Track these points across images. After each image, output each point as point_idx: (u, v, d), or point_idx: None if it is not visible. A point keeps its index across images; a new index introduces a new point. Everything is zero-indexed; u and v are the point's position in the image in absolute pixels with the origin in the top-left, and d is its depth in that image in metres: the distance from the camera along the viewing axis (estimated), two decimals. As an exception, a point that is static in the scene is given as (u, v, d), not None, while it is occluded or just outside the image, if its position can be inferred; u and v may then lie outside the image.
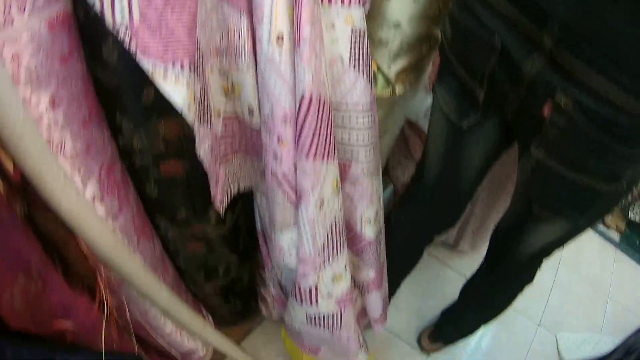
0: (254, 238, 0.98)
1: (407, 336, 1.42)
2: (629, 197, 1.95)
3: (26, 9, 0.42)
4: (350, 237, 0.78)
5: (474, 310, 1.15)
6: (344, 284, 0.73)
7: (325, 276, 0.69)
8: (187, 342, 1.01)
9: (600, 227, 2.00)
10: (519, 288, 1.02)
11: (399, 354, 1.38)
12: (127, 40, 0.43)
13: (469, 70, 0.65)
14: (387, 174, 1.35)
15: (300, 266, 0.66)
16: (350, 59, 0.60)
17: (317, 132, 0.53)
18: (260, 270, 1.15)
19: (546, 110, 0.56)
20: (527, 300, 1.61)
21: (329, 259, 0.67)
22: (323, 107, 0.53)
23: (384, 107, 0.87)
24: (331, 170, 0.58)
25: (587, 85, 0.52)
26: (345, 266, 0.71)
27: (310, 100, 0.51)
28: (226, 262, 0.93)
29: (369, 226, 0.75)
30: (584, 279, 1.78)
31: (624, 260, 1.94)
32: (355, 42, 0.59)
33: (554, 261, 1.79)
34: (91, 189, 0.56)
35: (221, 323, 1.11)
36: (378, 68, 0.79)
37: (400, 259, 1.02)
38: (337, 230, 0.65)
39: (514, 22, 0.56)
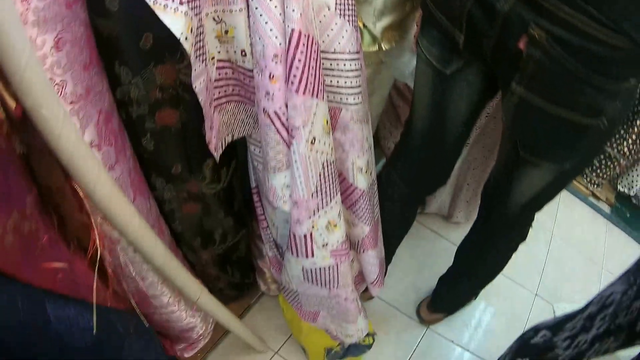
0: (248, 202, 1.02)
1: (405, 308, 1.46)
2: (617, 169, 2.01)
3: None
4: (344, 189, 0.82)
5: (469, 273, 1.19)
6: (339, 233, 0.77)
7: (320, 223, 0.72)
8: (185, 316, 1.03)
9: (591, 199, 2.06)
10: (512, 246, 1.06)
11: (398, 326, 1.42)
12: None
13: (448, 16, 0.69)
14: (378, 145, 1.39)
15: (295, 211, 0.70)
16: (336, 7, 0.64)
17: (307, 67, 0.57)
18: (256, 241, 1.18)
19: (522, 44, 0.60)
20: (523, 272, 1.67)
21: (322, 204, 0.71)
22: (311, 44, 0.57)
23: (371, 66, 0.92)
24: (321, 108, 0.62)
25: (558, 17, 0.56)
26: (339, 214, 0.75)
27: (300, 35, 0.55)
28: (222, 227, 0.96)
29: (361, 175, 0.79)
30: (577, 252, 1.83)
31: (615, 232, 2.00)
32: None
33: (546, 235, 1.85)
34: (89, 135, 0.59)
35: (220, 299, 1.14)
36: (364, 26, 0.84)
37: (394, 220, 1.06)
38: (329, 173, 0.69)
39: None
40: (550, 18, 0.57)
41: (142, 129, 0.67)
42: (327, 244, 0.77)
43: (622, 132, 1.84)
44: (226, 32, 0.59)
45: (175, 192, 0.80)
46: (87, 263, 0.64)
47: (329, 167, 0.68)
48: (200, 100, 0.58)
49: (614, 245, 1.94)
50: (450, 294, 1.31)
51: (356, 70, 0.69)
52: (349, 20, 0.65)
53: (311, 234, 0.74)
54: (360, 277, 1.09)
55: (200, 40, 0.56)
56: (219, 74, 0.63)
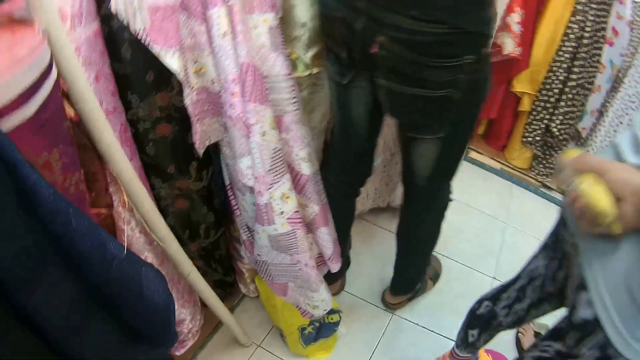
0: (225, 207, 1.47)
1: (372, 298, 1.90)
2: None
3: (82, 22, 0.92)
4: (293, 177, 1.28)
5: (410, 250, 1.64)
6: (292, 204, 1.22)
7: (276, 194, 1.18)
8: (176, 306, 1.45)
9: (542, 190, 2.56)
10: (438, 215, 1.51)
11: (367, 314, 1.85)
12: (144, 37, 0.93)
13: (334, 41, 1.17)
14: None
15: (257, 185, 1.15)
16: (270, 45, 1.12)
17: (254, 85, 1.05)
18: (234, 244, 1.63)
19: (375, 49, 1.06)
20: (479, 259, 2.13)
21: (276, 179, 1.17)
22: (255, 71, 1.05)
23: (308, 87, 1.40)
24: (267, 112, 1.09)
25: (394, 25, 1.00)
26: (290, 189, 1.21)
27: (248, 65, 1.03)
28: (205, 222, 1.41)
29: (305, 163, 1.26)
30: (532, 238, 2.31)
31: (570, 220, 2.48)
32: (272, 34, 1.12)
33: (499, 225, 2.33)
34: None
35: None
36: (298, 57, 1.33)
37: (337, 212, 1.50)
38: (278, 157, 1.15)
39: (345, 2, 1.08)
40: (388, 27, 1.01)
41: (146, 139, 1.13)
42: (283, 212, 1.22)
43: (549, 116, 2.37)
44: (200, 68, 1.07)
45: (169, 190, 1.26)
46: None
47: (278, 153, 1.15)
48: (189, 112, 1.05)
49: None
50: (404, 274, 1.75)
51: (290, 86, 1.17)
52: (280, 53, 1.14)
53: (271, 204, 1.19)
54: (320, 259, 1.53)
55: (186, 74, 1.03)
56: (198, 98, 1.10)
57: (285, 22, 1.27)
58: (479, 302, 1.38)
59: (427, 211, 1.49)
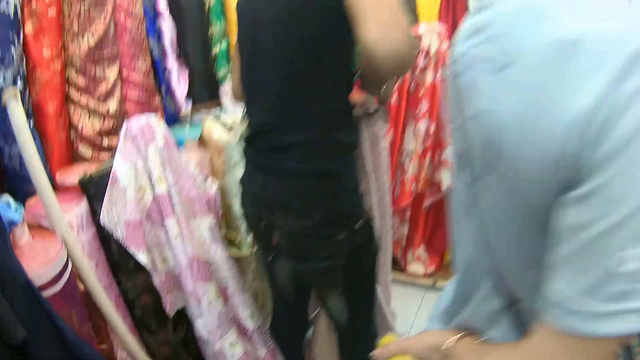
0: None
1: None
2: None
3: (83, 228, 1.69)
4: (242, 329, 1.92)
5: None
6: (239, 349, 1.84)
7: (225, 343, 1.81)
8: None
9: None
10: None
11: None
12: (124, 241, 1.68)
13: (254, 235, 1.83)
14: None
15: (210, 336, 1.79)
16: (211, 240, 1.85)
17: (199, 267, 1.75)
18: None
19: (275, 239, 1.73)
20: None
21: (223, 332, 1.81)
22: (200, 259, 1.77)
23: (256, 258, 2.09)
24: (211, 286, 1.78)
25: (283, 224, 1.62)
26: (235, 339, 1.84)
27: (194, 256, 1.75)
28: (186, 364, 2.03)
29: (250, 320, 1.90)
30: None
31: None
32: (212, 231, 1.86)
33: None
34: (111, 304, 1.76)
35: None
36: (240, 240, 2.04)
37: (287, 352, 2.06)
38: (224, 316, 1.80)
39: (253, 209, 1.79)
40: (280, 225, 1.48)
41: (133, 306, 1.83)
42: (233, 355, 1.84)
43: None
44: (164, 259, 1.80)
45: (154, 340, 1.92)
46: None
47: (223, 314, 1.81)
48: (158, 289, 1.76)
49: None
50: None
51: (229, 266, 1.87)
52: (220, 245, 1.86)
53: (222, 350, 1.81)
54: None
55: (154, 263, 1.76)
56: (164, 278, 1.82)
57: (227, 216, 2.02)
58: None
59: (355, 347, 1.94)
